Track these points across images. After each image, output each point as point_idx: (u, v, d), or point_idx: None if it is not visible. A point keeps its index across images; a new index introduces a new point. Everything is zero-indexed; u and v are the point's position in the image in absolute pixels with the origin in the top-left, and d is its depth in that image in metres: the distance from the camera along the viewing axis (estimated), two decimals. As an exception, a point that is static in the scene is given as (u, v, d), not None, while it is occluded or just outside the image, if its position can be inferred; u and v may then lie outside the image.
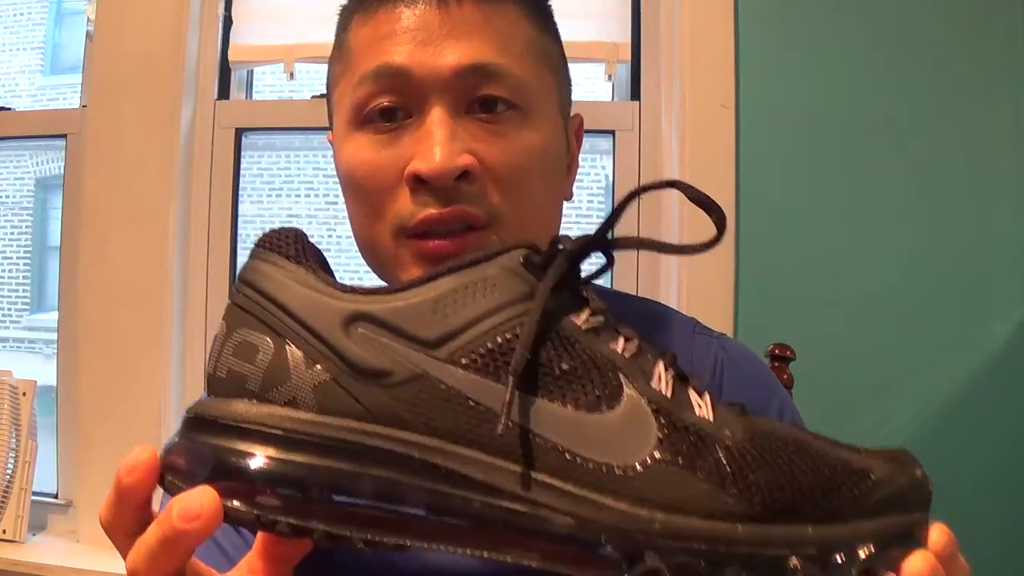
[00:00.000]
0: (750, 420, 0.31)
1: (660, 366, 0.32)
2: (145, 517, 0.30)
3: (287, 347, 0.30)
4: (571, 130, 0.55)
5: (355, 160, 0.48)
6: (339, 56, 0.52)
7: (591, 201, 1.40)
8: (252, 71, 1.36)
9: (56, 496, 1.31)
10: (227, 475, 0.29)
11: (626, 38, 1.25)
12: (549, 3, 0.54)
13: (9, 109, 1.40)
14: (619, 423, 0.29)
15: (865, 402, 1.13)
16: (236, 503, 0.28)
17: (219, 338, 0.32)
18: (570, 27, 1.25)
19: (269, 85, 1.39)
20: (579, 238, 0.33)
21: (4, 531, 1.21)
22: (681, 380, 0.32)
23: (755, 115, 1.15)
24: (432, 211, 0.45)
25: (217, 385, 0.31)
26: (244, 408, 0.30)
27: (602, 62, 1.24)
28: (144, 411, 1.21)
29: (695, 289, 1.13)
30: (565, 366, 0.30)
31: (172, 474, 0.30)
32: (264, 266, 0.32)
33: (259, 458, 0.29)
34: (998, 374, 1.12)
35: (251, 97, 1.37)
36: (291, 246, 0.32)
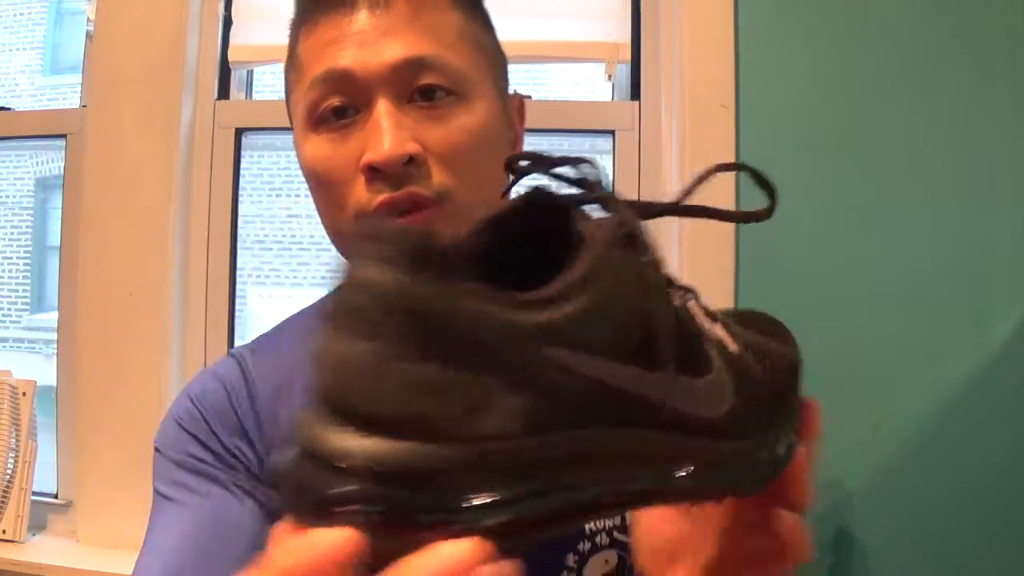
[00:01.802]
0: (736, 333, 0.34)
1: (696, 306, 0.33)
2: None
3: (482, 377, 0.26)
4: (512, 109, 0.60)
5: (314, 158, 0.53)
6: (291, 66, 0.57)
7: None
8: (252, 71, 1.36)
9: (56, 496, 1.31)
10: (452, 520, 0.25)
11: (626, 38, 1.25)
12: None
13: (9, 109, 1.40)
14: (714, 381, 0.32)
15: (865, 401, 1.13)
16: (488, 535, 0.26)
17: (378, 369, 0.25)
18: (570, 27, 1.25)
19: (269, 85, 1.39)
20: (652, 205, 0.33)
21: (4, 531, 1.21)
22: (711, 316, 0.34)
23: (755, 115, 1.15)
24: (386, 196, 0.50)
25: (400, 427, 0.25)
26: (465, 452, 0.25)
27: (602, 62, 1.24)
28: (144, 411, 1.21)
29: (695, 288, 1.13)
30: (680, 341, 0.31)
31: (401, 527, 0.25)
32: (416, 287, 0.26)
33: (490, 500, 0.25)
34: (998, 374, 1.12)
35: (251, 97, 1.37)
36: (439, 256, 0.27)
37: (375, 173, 0.50)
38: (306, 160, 0.54)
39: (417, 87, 0.52)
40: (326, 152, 0.53)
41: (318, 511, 0.24)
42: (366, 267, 0.26)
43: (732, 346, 0.33)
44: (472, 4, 0.57)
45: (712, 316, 0.34)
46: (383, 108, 0.51)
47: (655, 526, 0.43)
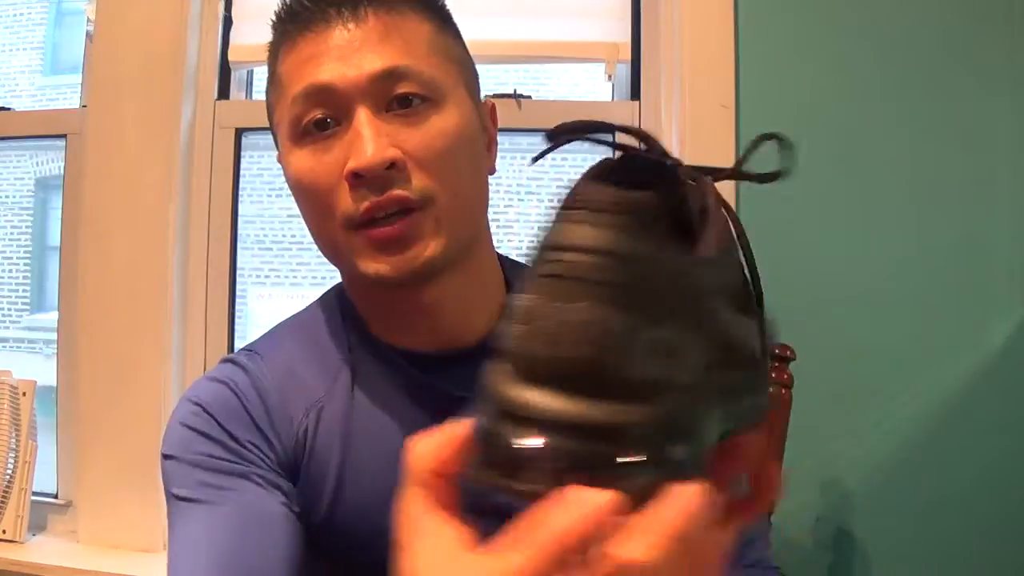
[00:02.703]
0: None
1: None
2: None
3: (689, 333, 0.27)
4: (485, 113, 0.62)
5: (300, 170, 0.56)
6: (273, 85, 0.59)
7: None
8: (252, 71, 1.36)
9: (56, 496, 1.31)
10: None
11: (626, 38, 1.25)
12: (444, 5, 0.61)
13: (9, 109, 1.40)
14: (749, 321, 0.32)
15: (864, 402, 1.13)
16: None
17: (611, 330, 0.25)
18: (570, 27, 1.25)
19: (269, 85, 1.39)
20: (722, 170, 0.34)
21: (4, 531, 1.21)
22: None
23: (755, 115, 1.15)
24: (371, 201, 0.53)
25: (621, 387, 0.25)
26: (657, 409, 0.26)
27: (602, 62, 1.25)
28: (144, 411, 1.21)
29: (695, 289, 1.13)
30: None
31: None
32: (632, 241, 0.26)
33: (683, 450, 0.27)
34: (998, 374, 1.12)
35: (251, 97, 1.37)
36: (640, 213, 0.27)
37: (359, 180, 0.53)
38: (292, 174, 0.57)
39: (394, 96, 0.54)
40: (310, 164, 0.55)
41: (525, 470, 0.25)
42: (576, 230, 0.26)
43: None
44: (441, 17, 0.60)
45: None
46: (363, 117, 0.53)
47: None
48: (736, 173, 0.34)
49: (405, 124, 0.54)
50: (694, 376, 0.27)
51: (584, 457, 0.25)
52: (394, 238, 0.53)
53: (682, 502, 0.25)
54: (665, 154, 0.30)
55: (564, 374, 0.25)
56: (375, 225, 0.53)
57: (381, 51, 0.54)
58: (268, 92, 0.61)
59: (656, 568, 0.24)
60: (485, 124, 0.62)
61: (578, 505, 0.24)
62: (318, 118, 0.55)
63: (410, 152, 0.54)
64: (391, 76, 0.54)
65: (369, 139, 0.52)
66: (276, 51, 0.59)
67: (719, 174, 0.33)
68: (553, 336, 0.25)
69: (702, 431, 0.28)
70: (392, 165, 0.53)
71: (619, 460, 0.25)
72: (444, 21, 0.60)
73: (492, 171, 0.62)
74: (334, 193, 0.54)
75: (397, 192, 0.53)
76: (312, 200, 0.56)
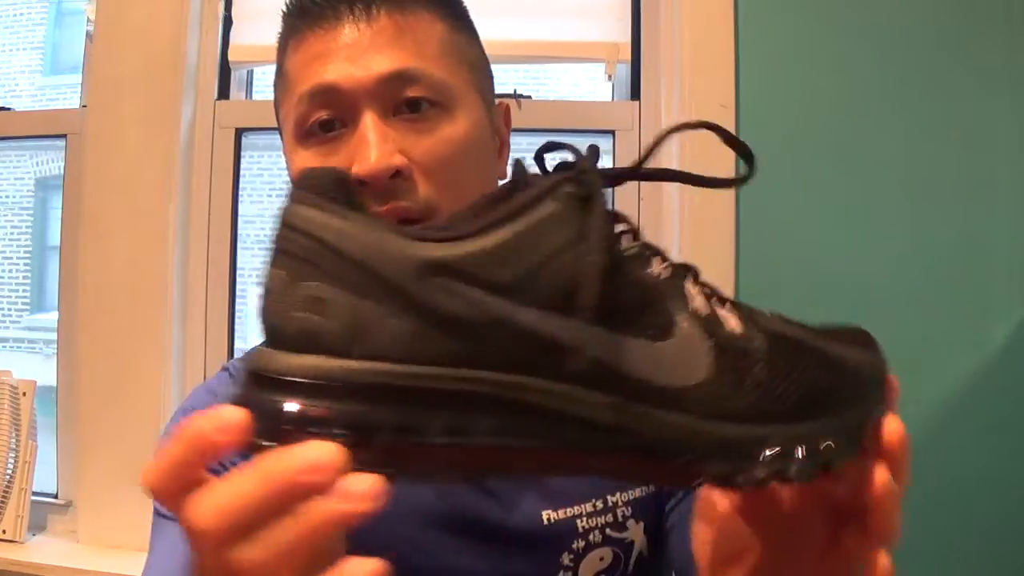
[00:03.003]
0: (761, 322, 0.34)
1: (690, 284, 0.33)
2: (204, 477, 0.28)
3: (363, 301, 0.29)
4: (497, 116, 0.60)
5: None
6: (280, 80, 0.58)
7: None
8: (252, 71, 1.36)
9: (56, 496, 1.31)
10: (338, 431, 0.28)
11: (626, 38, 1.25)
12: (462, 3, 0.59)
13: (9, 109, 1.40)
14: (678, 348, 0.32)
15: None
16: (357, 459, 0.28)
17: (276, 288, 0.30)
18: (570, 27, 1.25)
19: (269, 85, 1.38)
20: (615, 168, 0.34)
21: (4, 531, 1.21)
22: (708, 293, 0.34)
23: (755, 115, 1.15)
24: (372, 211, 0.48)
25: (285, 340, 0.29)
26: (326, 364, 0.28)
27: (602, 62, 1.24)
28: (144, 411, 1.21)
29: (695, 289, 1.13)
30: (624, 298, 0.31)
31: (268, 435, 0.28)
32: (317, 214, 0.30)
33: (372, 411, 0.28)
34: (998, 374, 1.12)
35: (251, 97, 1.37)
36: (339, 190, 0.31)
37: (361, 186, 0.50)
38: (295, 173, 0.55)
39: (402, 100, 0.52)
40: (314, 165, 0.51)
41: (287, 431, 0.28)
42: (285, 204, 0.30)
43: (733, 326, 0.33)
44: (456, 15, 0.57)
45: (714, 295, 0.34)
46: (369, 121, 0.51)
47: (711, 518, 0.41)
48: (639, 172, 0.34)
49: (413, 130, 0.52)
50: (386, 350, 0.29)
51: (334, 418, 0.28)
52: None
53: (295, 456, 0.27)
54: (578, 164, 0.32)
55: (303, 340, 0.29)
56: None
57: (391, 52, 0.53)
58: (276, 86, 0.59)
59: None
60: (497, 127, 0.60)
61: (298, 455, 0.26)
62: (323, 119, 0.53)
63: (416, 160, 0.52)
64: (400, 79, 0.52)
65: (374, 144, 0.50)
66: (284, 45, 0.58)
67: (612, 172, 0.33)
68: (283, 308, 0.29)
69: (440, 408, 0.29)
70: (397, 173, 0.51)
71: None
72: (459, 20, 0.58)
73: (503, 177, 0.60)
74: None
75: (399, 203, 0.51)
76: None
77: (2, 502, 1.22)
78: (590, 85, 1.36)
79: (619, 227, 0.33)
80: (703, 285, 0.34)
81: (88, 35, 1.31)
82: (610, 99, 1.30)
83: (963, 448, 1.12)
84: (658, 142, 0.34)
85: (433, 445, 0.29)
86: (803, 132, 1.16)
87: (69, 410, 1.29)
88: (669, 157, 1.19)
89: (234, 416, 0.27)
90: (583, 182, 0.32)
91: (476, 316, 0.29)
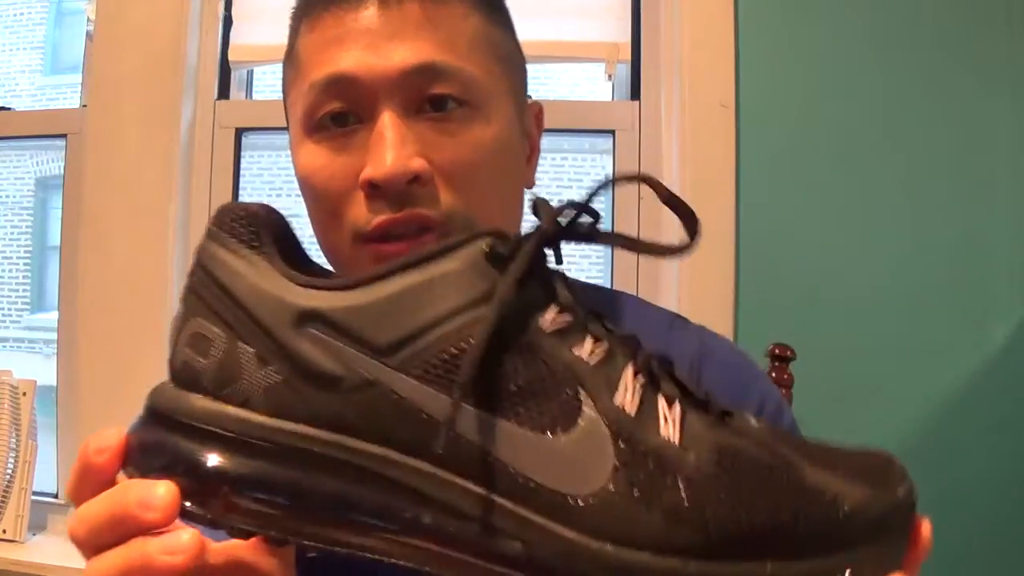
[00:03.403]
0: (723, 433, 0.28)
1: (629, 373, 0.29)
2: (93, 492, 0.31)
3: (239, 344, 0.29)
4: (529, 117, 0.54)
5: (311, 167, 0.48)
6: (290, 61, 0.52)
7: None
8: (252, 71, 1.36)
9: (56, 496, 1.31)
10: (180, 473, 0.28)
11: (626, 38, 1.25)
12: None
13: (9, 109, 1.40)
14: (575, 447, 0.27)
15: (864, 402, 1.13)
16: (189, 504, 0.28)
17: (176, 323, 0.31)
18: (570, 27, 1.25)
19: (269, 85, 1.39)
20: (547, 228, 0.30)
21: (4, 531, 1.21)
22: (652, 387, 0.29)
23: (755, 115, 1.15)
24: (386, 216, 0.45)
25: (175, 375, 0.30)
26: (200, 405, 0.29)
27: (602, 62, 1.24)
28: (144, 411, 1.21)
29: (695, 289, 1.13)
30: (521, 379, 0.27)
31: (130, 461, 0.30)
32: (217, 249, 0.30)
33: (212, 459, 0.28)
34: (998, 374, 1.12)
35: (251, 97, 1.37)
36: (245, 227, 0.30)
37: (376, 190, 0.45)
38: (301, 167, 0.49)
39: (426, 97, 0.46)
40: (323, 162, 0.47)
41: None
42: (208, 246, 0.31)
43: (668, 432, 0.28)
44: (491, 6, 0.51)
45: (663, 393, 0.29)
46: (388, 119, 0.45)
47: None
48: (568, 231, 0.30)
49: (436, 131, 0.46)
50: (246, 396, 0.29)
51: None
52: None
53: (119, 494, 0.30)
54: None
55: (191, 380, 0.30)
56: (387, 240, 0.45)
57: (417, 43, 0.46)
58: (284, 67, 0.53)
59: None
60: (528, 130, 0.54)
61: (134, 489, 0.28)
62: (336, 111, 0.47)
63: (439, 164, 0.46)
64: (426, 73, 0.46)
65: (391, 146, 0.44)
66: (298, 21, 0.51)
67: (557, 233, 0.30)
68: (175, 341, 0.31)
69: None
70: (416, 179, 0.45)
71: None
72: (495, 11, 0.52)
73: (531, 185, 0.54)
74: (346, 199, 0.46)
75: (418, 210, 0.45)
76: (320, 202, 0.48)
77: (2, 502, 1.22)
78: (590, 85, 1.36)
79: (560, 296, 0.29)
80: (649, 374, 0.29)
81: (88, 35, 1.31)
82: (610, 99, 1.30)
83: (963, 448, 1.12)
84: (591, 197, 0.31)
85: (274, 504, 0.27)
86: (803, 132, 1.16)
87: (69, 410, 1.29)
88: (670, 161, 1.19)
89: (111, 440, 0.30)
90: (505, 239, 0.29)
91: (343, 375, 0.27)
